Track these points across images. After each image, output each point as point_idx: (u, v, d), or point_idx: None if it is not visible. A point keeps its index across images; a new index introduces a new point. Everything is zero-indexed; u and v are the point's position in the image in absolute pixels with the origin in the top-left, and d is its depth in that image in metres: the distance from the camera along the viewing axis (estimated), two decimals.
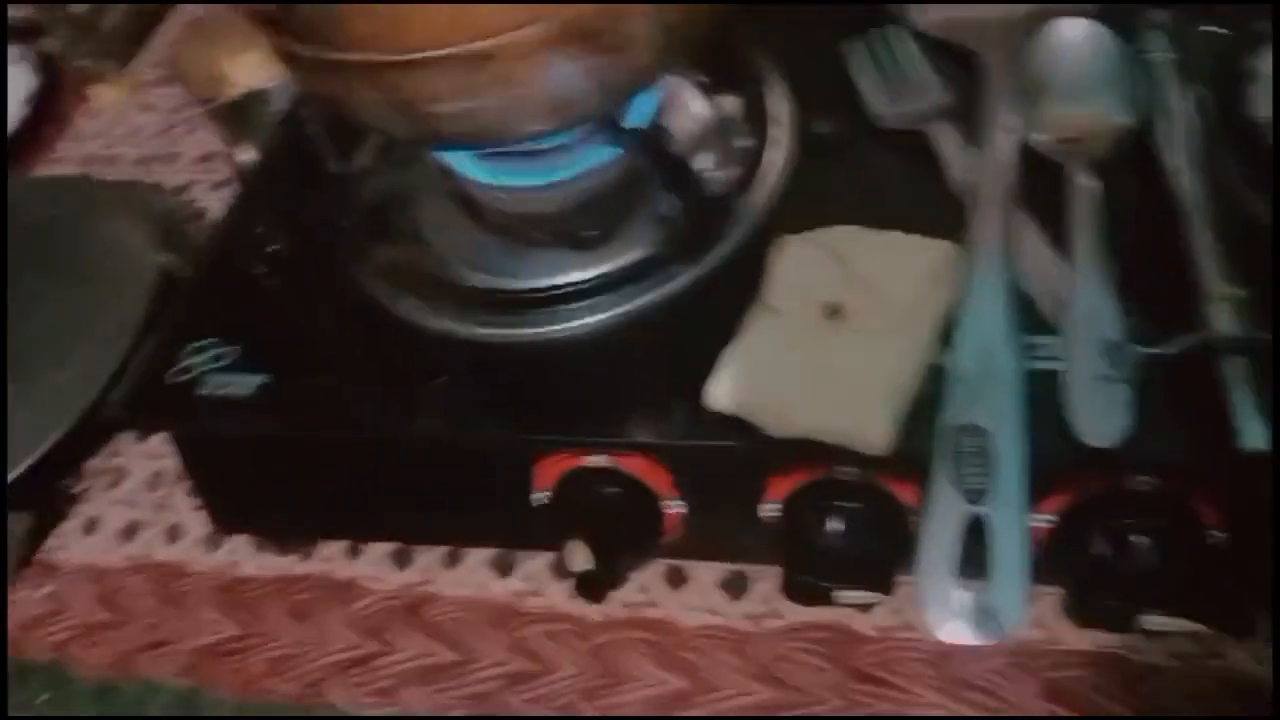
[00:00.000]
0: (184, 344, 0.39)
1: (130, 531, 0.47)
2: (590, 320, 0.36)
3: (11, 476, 0.46)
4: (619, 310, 0.35)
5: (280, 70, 0.60)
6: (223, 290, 0.42)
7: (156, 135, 0.67)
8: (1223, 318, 0.29)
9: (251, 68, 0.62)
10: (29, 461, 0.46)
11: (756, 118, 0.40)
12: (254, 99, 0.59)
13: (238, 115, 0.59)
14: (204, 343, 0.39)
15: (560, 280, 0.37)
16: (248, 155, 0.58)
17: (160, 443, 0.50)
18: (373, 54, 0.29)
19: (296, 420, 0.37)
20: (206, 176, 0.63)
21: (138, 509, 0.48)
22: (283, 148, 0.47)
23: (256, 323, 0.39)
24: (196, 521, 0.46)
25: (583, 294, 0.36)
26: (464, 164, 0.38)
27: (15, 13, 0.75)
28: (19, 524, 0.46)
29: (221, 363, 0.38)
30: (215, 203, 0.61)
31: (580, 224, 0.38)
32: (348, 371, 0.38)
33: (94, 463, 0.50)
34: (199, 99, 0.63)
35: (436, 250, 0.40)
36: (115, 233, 0.56)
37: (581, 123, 0.34)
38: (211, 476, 0.41)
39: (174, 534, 0.46)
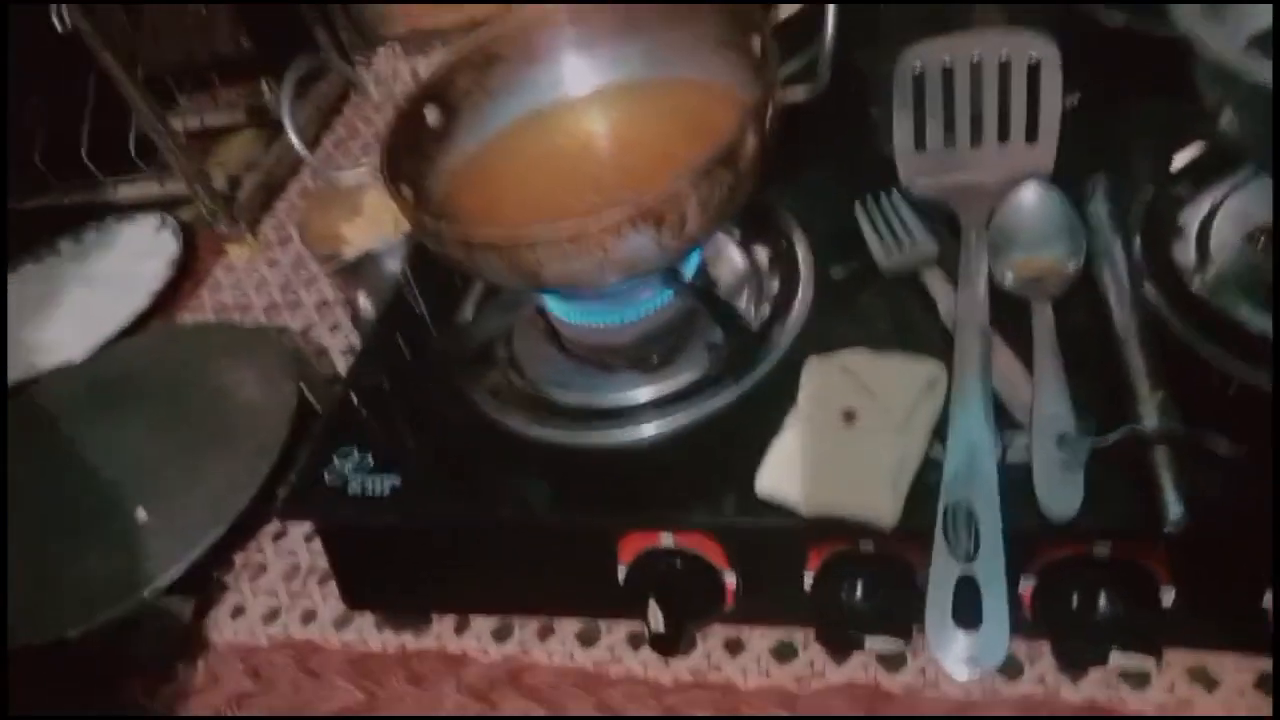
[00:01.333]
0: (333, 451, 0.49)
1: (272, 615, 0.56)
2: (658, 429, 0.45)
3: (178, 572, 0.55)
4: (682, 420, 0.45)
5: (388, 234, 0.73)
6: (359, 412, 0.52)
7: (281, 287, 0.80)
8: (1150, 414, 0.37)
9: (365, 232, 0.75)
10: (191, 557, 0.56)
11: (785, 264, 0.50)
12: (367, 258, 0.71)
13: (354, 271, 0.72)
14: (348, 448, 0.49)
15: (631, 397, 0.47)
16: (365, 304, 0.70)
17: (295, 540, 0.59)
18: (500, 235, 0.39)
19: (420, 514, 0.47)
20: (324, 320, 0.75)
21: (277, 596, 0.57)
22: (398, 301, 0.58)
23: (390, 436, 0.49)
24: (328, 607, 0.55)
25: (652, 409, 0.46)
26: (555, 305, 0.48)
27: (160, 189, 0.90)
28: (184, 607, 0.55)
29: (363, 467, 0.48)
30: (334, 342, 0.73)
31: (646, 352, 0.47)
32: (462, 473, 0.47)
33: (240, 557, 0.59)
34: (320, 257, 0.76)
35: (531, 375, 0.50)
36: (253, 368, 0.68)
37: (647, 277, 0.44)
38: (348, 559, 0.50)
39: (308, 617, 0.55)
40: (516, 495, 0.46)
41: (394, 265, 0.71)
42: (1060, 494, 0.37)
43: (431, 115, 0.49)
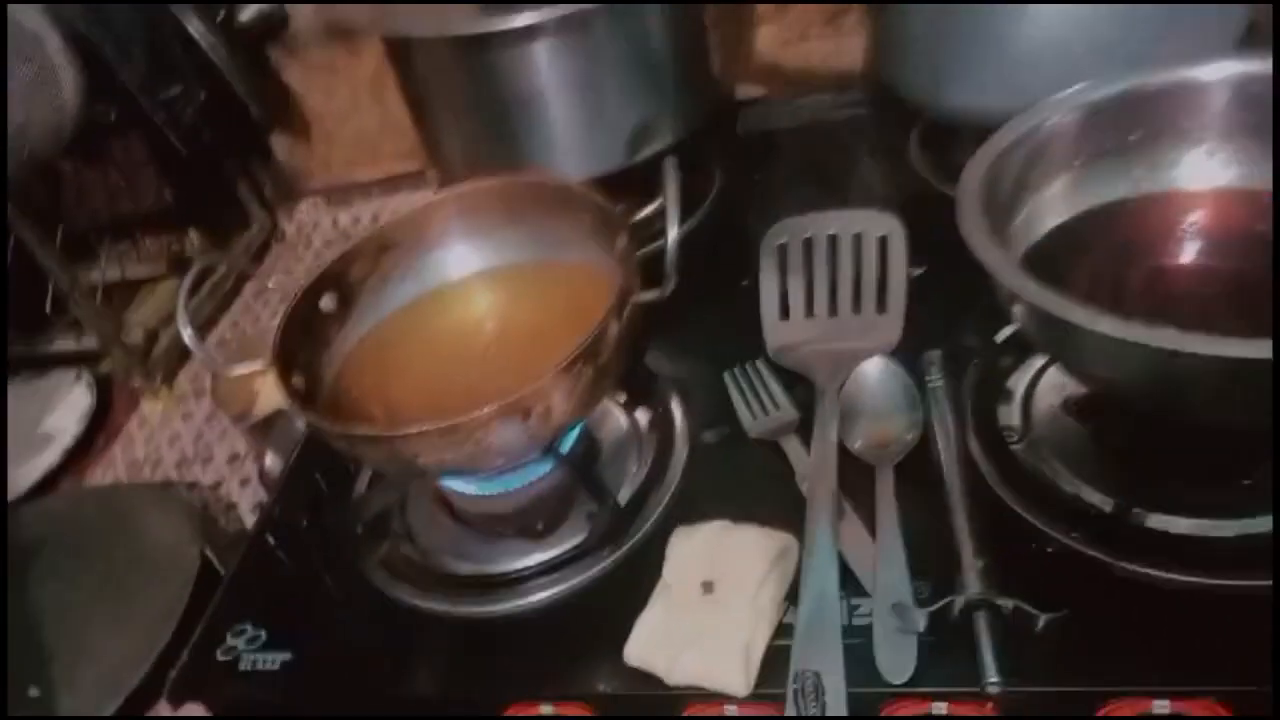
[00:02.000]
0: (228, 628, 0.50)
1: None
2: (543, 596, 0.47)
3: None
4: (564, 586, 0.47)
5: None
6: (254, 584, 0.53)
7: (194, 439, 0.81)
8: (974, 582, 0.41)
9: (277, 392, 0.78)
10: None
11: (663, 428, 0.54)
12: (277, 415, 0.73)
13: (264, 428, 0.74)
14: (242, 626, 0.50)
15: (520, 564, 0.49)
16: (273, 460, 0.72)
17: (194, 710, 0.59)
18: (376, 430, 0.42)
19: (307, 691, 0.48)
20: (235, 474, 0.76)
21: None
22: (298, 473, 0.60)
23: (283, 609, 0.51)
24: None
25: (538, 575, 0.48)
26: (443, 480, 0.51)
27: (75, 344, 0.91)
28: None
29: (256, 643, 0.49)
30: (244, 496, 0.74)
31: (532, 519, 0.50)
32: (351, 647, 0.49)
33: None
34: (232, 415, 0.78)
35: (423, 544, 0.52)
36: (159, 529, 0.68)
37: (522, 460, 0.47)
38: None
39: None
40: (404, 671, 0.47)
41: (298, 426, 0.74)
42: (896, 657, 0.40)
43: (327, 302, 0.52)
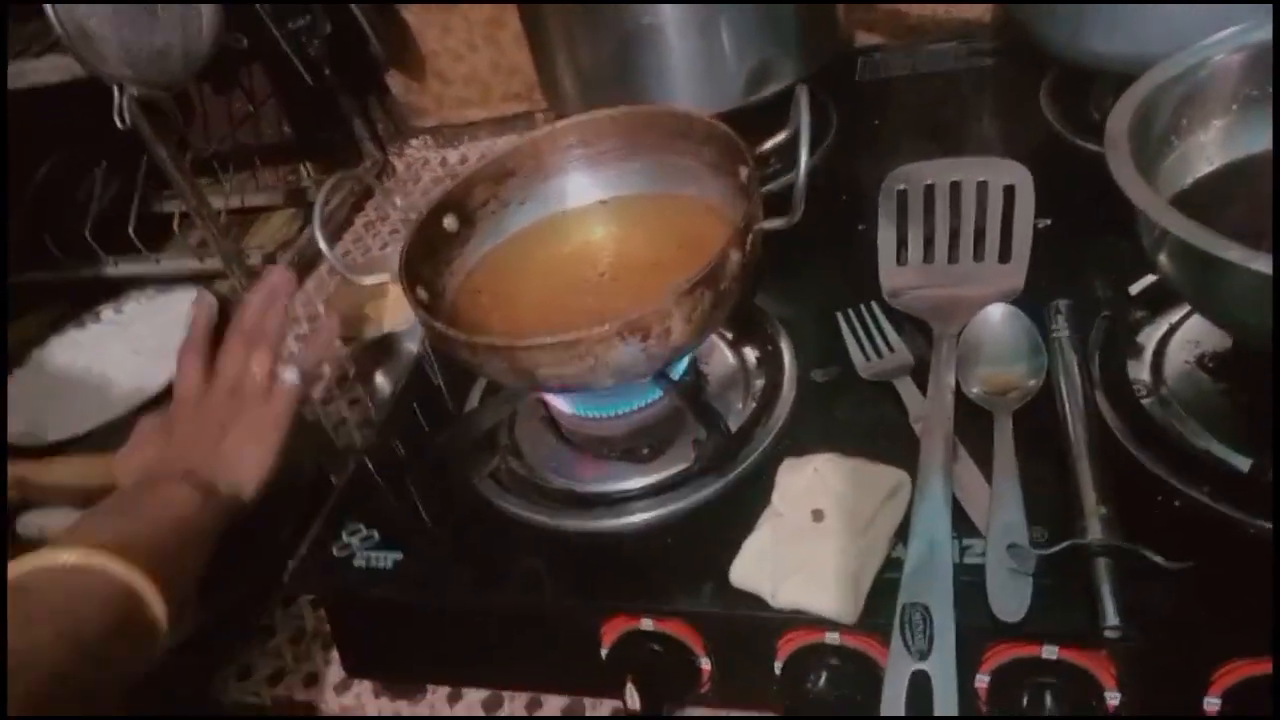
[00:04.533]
0: (342, 527, 0.53)
1: (276, 677, 0.59)
2: (645, 517, 0.48)
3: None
4: (667, 510, 0.48)
5: (409, 316, 0.78)
6: (367, 491, 0.55)
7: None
8: (1095, 528, 0.40)
9: (388, 314, 0.80)
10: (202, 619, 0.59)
11: (771, 366, 0.54)
12: (387, 338, 0.76)
13: (374, 350, 0.76)
14: (356, 526, 0.53)
15: (622, 486, 0.50)
16: (382, 381, 0.75)
17: (303, 605, 0.62)
18: (500, 339, 0.43)
19: (419, 588, 0.50)
20: (345, 394, 0.79)
21: (283, 659, 0.60)
22: (410, 390, 0.62)
23: (395, 514, 0.53)
24: (330, 671, 0.58)
25: (640, 498, 0.49)
26: (554, 397, 0.52)
27: (199, 264, 0.96)
28: (193, 666, 0.58)
29: (369, 542, 0.52)
30: (352, 415, 0.77)
31: (637, 444, 0.51)
32: (460, 552, 0.51)
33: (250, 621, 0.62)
34: (342, 337, 0.80)
35: (529, 460, 0.53)
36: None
37: (636, 381, 0.48)
38: (350, 629, 0.53)
39: (311, 680, 0.58)
40: (509, 576, 0.49)
41: (412, 346, 0.76)
42: (1009, 597, 0.40)
43: (449, 222, 0.54)
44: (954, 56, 0.79)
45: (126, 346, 0.90)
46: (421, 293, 0.49)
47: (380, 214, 1.01)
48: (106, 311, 0.95)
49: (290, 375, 0.55)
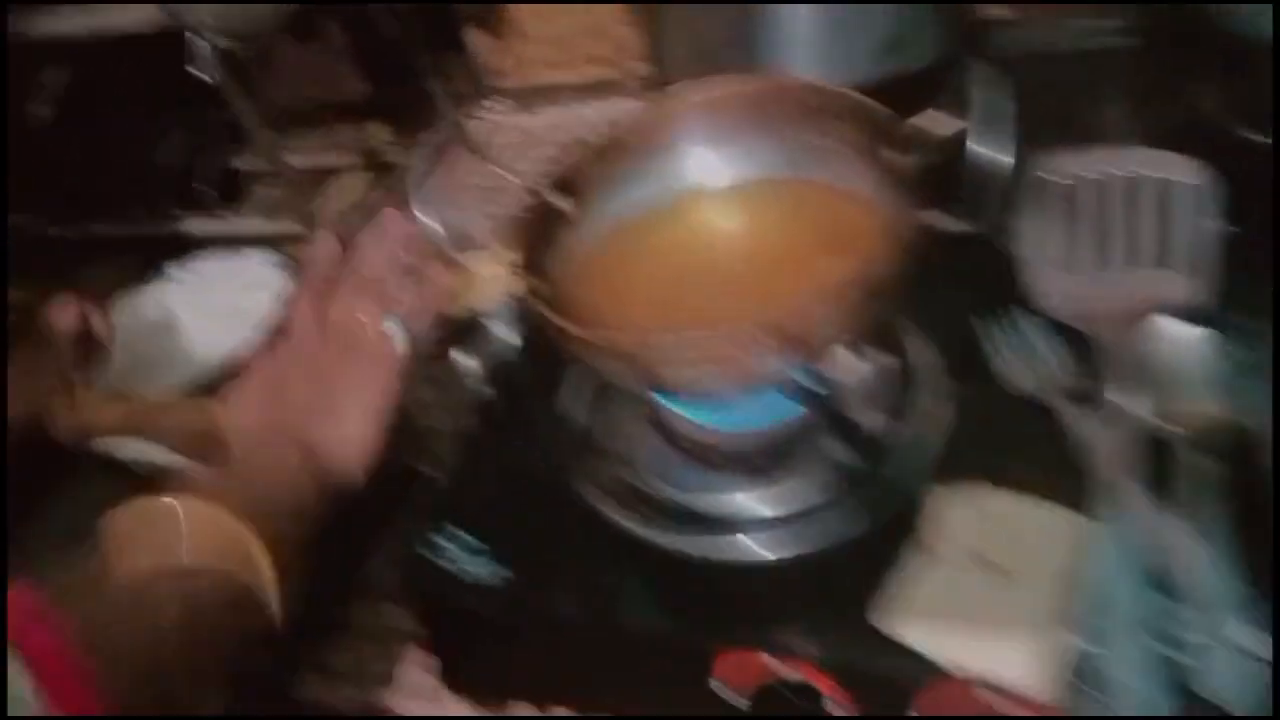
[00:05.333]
0: (435, 529, 0.49)
1: (356, 678, 0.56)
2: (765, 544, 0.44)
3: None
4: (791, 538, 0.43)
5: (493, 295, 0.74)
6: (460, 489, 0.52)
7: None
8: None
9: (476, 291, 0.76)
10: None
11: (910, 380, 0.48)
12: (479, 317, 0.71)
13: (459, 329, 0.72)
14: (454, 531, 0.49)
15: (740, 504, 0.45)
16: (466, 363, 0.70)
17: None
18: (624, 341, 0.39)
19: (518, 605, 0.46)
20: (425, 372, 0.75)
21: (363, 658, 0.56)
22: (508, 374, 0.58)
23: (496, 520, 0.49)
24: (412, 675, 0.54)
25: (760, 521, 0.45)
26: (669, 402, 0.48)
27: (274, 226, 0.92)
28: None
29: (465, 548, 0.48)
30: (435, 395, 0.73)
31: (761, 458, 0.46)
32: (558, 566, 0.47)
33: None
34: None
35: (638, 465, 0.49)
36: None
37: (767, 388, 0.43)
38: (438, 636, 0.49)
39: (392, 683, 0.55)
40: (611, 595, 0.45)
41: (499, 329, 0.72)
42: (1241, 686, 0.34)
43: (560, 202, 0.49)
44: (1098, 32, 0.71)
45: (196, 310, 0.87)
46: (539, 285, 0.45)
47: (454, 180, 0.97)
48: (176, 271, 0.92)
49: (399, 335, 0.51)
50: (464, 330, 0.71)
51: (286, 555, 0.43)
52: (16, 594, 0.36)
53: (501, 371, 0.59)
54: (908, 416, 0.46)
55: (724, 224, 0.50)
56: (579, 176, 0.50)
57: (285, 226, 0.90)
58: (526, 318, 0.59)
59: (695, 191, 0.51)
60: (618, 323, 0.46)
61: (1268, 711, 0.33)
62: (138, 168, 0.93)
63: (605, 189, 0.50)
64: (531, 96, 1.00)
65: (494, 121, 1.01)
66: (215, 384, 0.77)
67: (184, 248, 0.93)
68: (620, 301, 0.47)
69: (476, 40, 0.96)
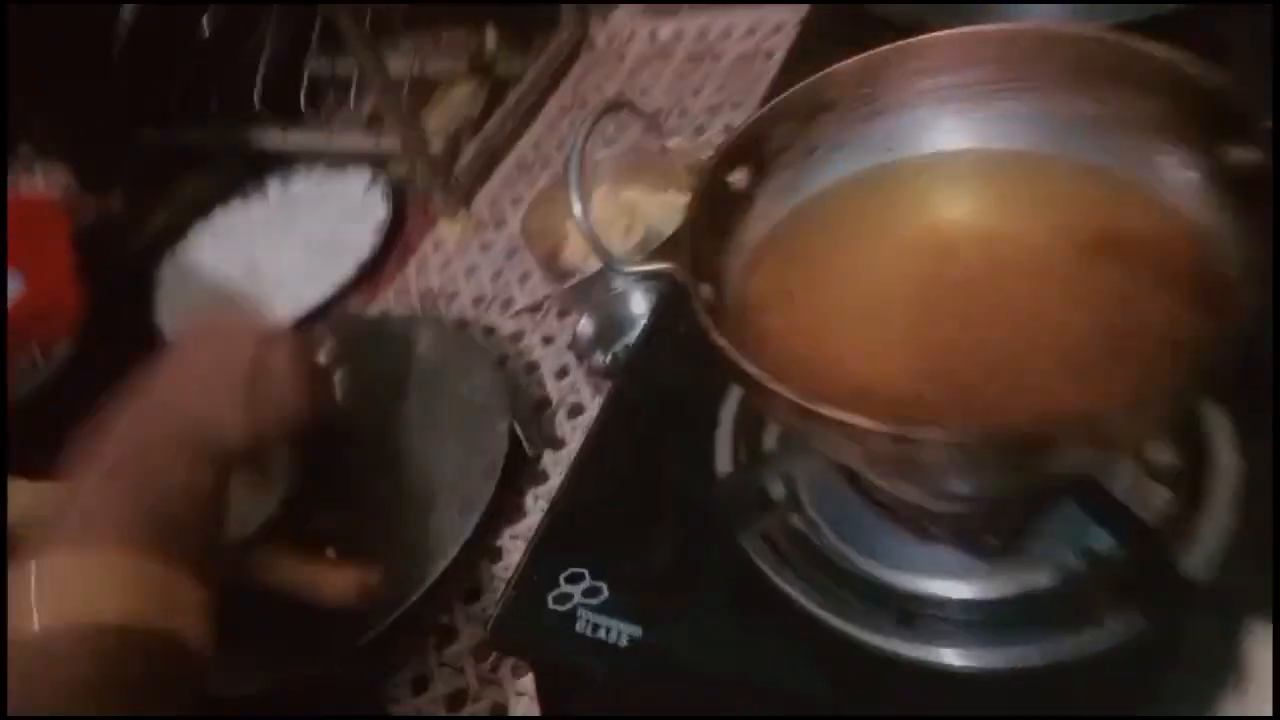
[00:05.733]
0: (559, 570, 0.41)
1: (456, 699, 0.49)
2: (986, 647, 0.34)
3: (364, 639, 0.49)
4: (1029, 643, 0.33)
5: (616, 247, 0.63)
6: (588, 518, 0.43)
7: (493, 277, 0.72)
8: None
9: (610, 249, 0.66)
10: (380, 625, 0.49)
11: (1200, 463, 0.36)
12: (596, 277, 0.62)
13: (577, 285, 0.63)
14: (578, 571, 0.41)
15: (951, 587, 0.36)
16: (585, 326, 0.61)
17: (490, 604, 0.52)
18: (860, 423, 0.28)
19: (660, 678, 0.37)
20: (537, 329, 0.67)
21: (464, 677, 0.50)
22: (642, 371, 0.48)
23: (628, 565, 0.40)
24: (520, 706, 0.47)
25: (978, 612, 0.35)
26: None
27: (373, 145, 0.83)
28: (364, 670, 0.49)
29: (595, 600, 0.40)
30: (546, 356, 0.64)
31: (985, 528, 0.36)
32: (716, 636, 0.38)
33: (427, 615, 0.53)
34: (539, 254, 0.67)
35: (818, 519, 0.39)
36: (464, 383, 0.60)
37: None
38: (553, 695, 0.42)
39: (498, 712, 0.48)
40: (773, 686, 0.36)
41: (623, 286, 0.62)
42: None
43: (738, 177, 0.38)
44: None
45: (291, 237, 0.79)
46: (706, 291, 0.34)
47: (578, 98, 0.85)
48: (273, 188, 0.85)
49: None
50: (581, 286, 0.62)
51: (206, 570, 0.38)
52: None
53: (639, 370, 0.49)
54: (1196, 506, 0.35)
55: (950, 210, 0.38)
56: (764, 142, 0.38)
57: (388, 143, 0.81)
58: (682, 319, 0.49)
59: (918, 167, 0.39)
60: (811, 353, 0.35)
61: None
62: (233, 73, 0.85)
63: (795, 159, 0.39)
64: (668, 3, 0.86)
65: (623, 30, 0.89)
66: (305, 323, 0.70)
67: (281, 161, 0.85)
68: (812, 321, 0.36)
69: None
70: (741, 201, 0.38)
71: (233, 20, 0.86)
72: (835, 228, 0.39)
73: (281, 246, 0.79)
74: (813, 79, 0.38)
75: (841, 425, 0.27)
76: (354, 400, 0.61)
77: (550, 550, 0.42)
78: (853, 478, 0.39)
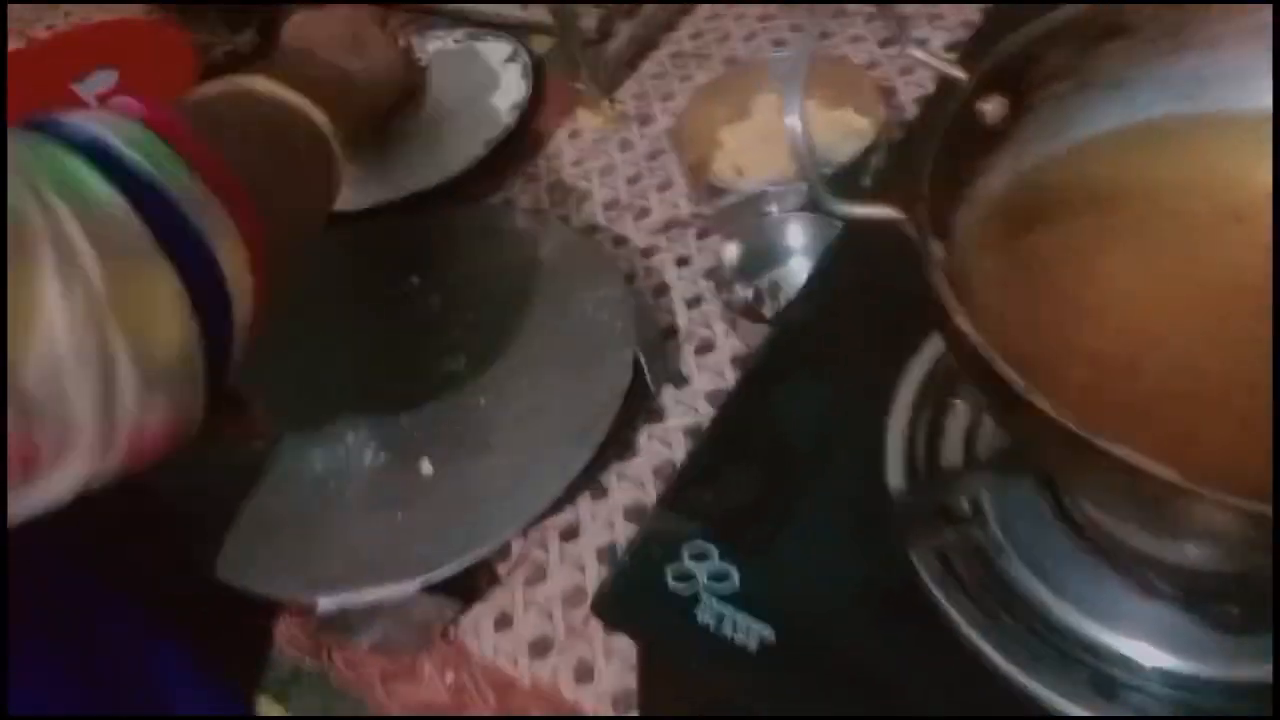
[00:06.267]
0: (682, 540, 0.35)
1: (541, 647, 0.45)
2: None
3: (453, 570, 0.45)
4: None
5: (780, 166, 0.55)
6: (727, 489, 0.37)
7: (629, 180, 0.65)
8: None
9: (759, 166, 0.58)
10: (473, 557, 0.45)
11: None
12: (751, 199, 0.54)
13: (730, 210, 0.55)
14: (705, 547, 0.35)
15: (1185, 662, 0.29)
16: (731, 253, 0.54)
17: (585, 548, 0.48)
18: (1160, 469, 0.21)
19: (792, 698, 0.32)
20: (672, 246, 0.60)
21: (552, 621, 0.46)
22: (803, 321, 0.41)
23: (762, 545, 0.35)
24: (610, 668, 0.43)
25: (1218, 696, 0.28)
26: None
27: (522, 11, 0.75)
28: (448, 606, 0.45)
29: (721, 585, 0.34)
30: (677, 279, 0.58)
31: (1227, 593, 0.29)
32: (863, 658, 0.32)
33: (518, 545, 0.48)
34: (689, 162, 0.59)
35: (1008, 543, 0.32)
36: (588, 296, 0.54)
37: None
38: (664, 687, 0.37)
39: (584, 672, 0.44)
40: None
41: (778, 212, 0.54)
42: None
43: (993, 108, 0.30)
44: None
45: (429, 107, 0.73)
46: (939, 251, 0.27)
47: (680, 46, 0.74)
48: (415, 44, 0.78)
49: None
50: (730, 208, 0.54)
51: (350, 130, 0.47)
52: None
53: (799, 315, 0.42)
54: None
55: (1265, 187, 0.29)
56: (1027, 71, 0.30)
57: (535, 12, 0.73)
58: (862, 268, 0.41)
59: (1225, 123, 0.30)
60: (1050, 334, 0.28)
61: None
62: None
63: (1067, 96, 0.31)
64: None
65: None
66: (427, 199, 0.65)
67: (420, 16, 0.79)
68: (1074, 307, 0.28)
69: None
70: (991, 139, 0.30)
71: None
72: (1104, 187, 0.30)
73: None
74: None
75: (1133, 470, 0.20)
76: (463, 294, 0.56)
77: (676, 511, 0.36)
78: (1059, 504, 0.32)
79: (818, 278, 0.43)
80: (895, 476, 0.34)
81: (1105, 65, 0.30)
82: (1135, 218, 0.29)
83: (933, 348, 0.37)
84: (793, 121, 0.27)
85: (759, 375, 0.40)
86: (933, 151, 0.27)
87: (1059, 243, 0.30)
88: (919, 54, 0.29)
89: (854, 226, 0.40)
